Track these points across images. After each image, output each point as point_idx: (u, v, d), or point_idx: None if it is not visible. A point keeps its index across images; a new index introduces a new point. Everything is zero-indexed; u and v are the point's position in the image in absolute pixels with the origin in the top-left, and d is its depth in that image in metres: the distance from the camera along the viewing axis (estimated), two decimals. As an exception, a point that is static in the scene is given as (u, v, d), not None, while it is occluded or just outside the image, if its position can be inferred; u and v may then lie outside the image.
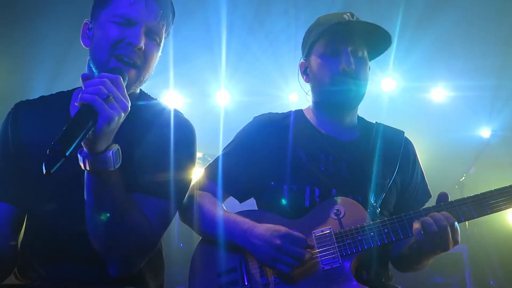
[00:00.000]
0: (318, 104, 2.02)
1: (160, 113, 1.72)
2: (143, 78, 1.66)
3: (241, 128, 2.09)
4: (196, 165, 1.78)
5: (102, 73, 1.35)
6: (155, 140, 1.63)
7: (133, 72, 1.58)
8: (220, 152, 2.04)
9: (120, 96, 1.32)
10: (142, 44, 1.55)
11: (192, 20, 4.75)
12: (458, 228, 1.63)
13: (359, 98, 1.95)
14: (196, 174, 2.05)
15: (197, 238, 1.95)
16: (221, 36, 4.94)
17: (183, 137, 1.68)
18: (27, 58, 5.06)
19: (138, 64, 1.58)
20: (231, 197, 2.01)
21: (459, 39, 4.93)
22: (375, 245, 1.67)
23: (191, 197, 1.91)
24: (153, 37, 1.61)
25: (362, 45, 1.91)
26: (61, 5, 4.61)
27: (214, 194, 1.94)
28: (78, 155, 1.35)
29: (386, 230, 1.67)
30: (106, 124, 1.27)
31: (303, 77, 2.07)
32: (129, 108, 1.36)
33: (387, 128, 2.07)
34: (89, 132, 1.27)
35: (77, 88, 1.78)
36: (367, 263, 1.74)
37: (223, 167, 1.97)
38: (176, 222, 4.63)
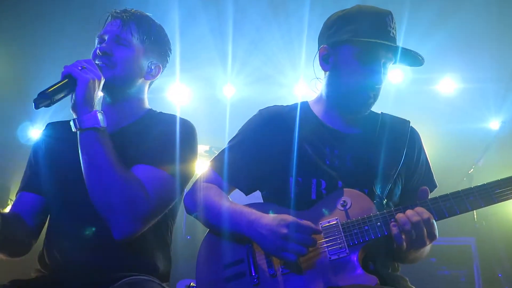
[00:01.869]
0: (331, 98, 1.99)
1: (163, 115, 2.02)
2: (124, 77, 1.92)
3: (247, 120, 2.09)
4: (203, 158, 1.83)
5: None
6: (160, 133, 1.87)
7: (106, 71, 1.86)
8: (226, 145, 2.04)
9: (92, 68, 1.73)
10: (105, 49, 1.88)
11: (202, 10, 4.75)
12: (435, 223, 1.63)
13: (371, 106, 1.96)
14: (202, 167, 2.06)
15: (204, 230, 1.96)
16: (229, 27, 4.91)
17: (185, 131, 1.91)
18: (31, 61, 5.13)
19: (109, 65, 1.88)
20: (237, 190, 2.01)
21: (476, 32, 4.85)
22: (382, 235, 1.67)
23: (197, 189, 1.91)
24: (120, 41, 1.92)
25: (392, 58, 1.91)
26: (66, 10, 4.65)
27: (220, 186, 1.94)
28: (71, 122, 1.69)
29: (392, 220, 1.67)
30: (84, 85, 1.67)
31: (321, 64, 2.00)
32: (103, 78, 1.76)
33: (392, 118, 2.05)
34: (72, 96, 1.68)
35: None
36: (374, 253, 1.74)
37: (229, 159, 1.97)
38: (184, 215, 4.65)
